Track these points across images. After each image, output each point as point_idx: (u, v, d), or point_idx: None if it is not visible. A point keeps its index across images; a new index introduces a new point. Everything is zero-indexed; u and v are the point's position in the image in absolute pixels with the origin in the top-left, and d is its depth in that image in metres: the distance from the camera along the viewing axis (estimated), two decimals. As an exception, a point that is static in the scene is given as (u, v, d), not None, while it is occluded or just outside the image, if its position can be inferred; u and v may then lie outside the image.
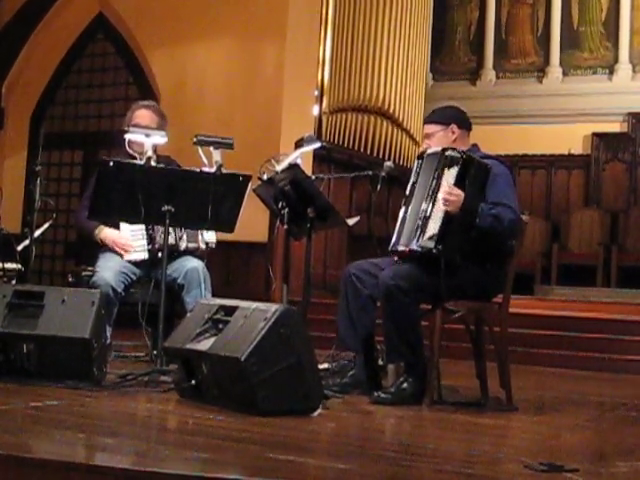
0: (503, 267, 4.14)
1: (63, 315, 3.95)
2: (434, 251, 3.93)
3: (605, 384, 5.97)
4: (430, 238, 3.95)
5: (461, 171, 3.96)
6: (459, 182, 3.95)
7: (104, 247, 4.96)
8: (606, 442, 3.62)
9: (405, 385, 4.03)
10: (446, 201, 3.92)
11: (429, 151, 4.19)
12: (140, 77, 9.09)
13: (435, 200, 3.98)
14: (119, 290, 4.75)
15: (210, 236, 4.98)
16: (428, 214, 3.98)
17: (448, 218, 3.93)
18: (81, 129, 9.58)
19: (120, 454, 2.68)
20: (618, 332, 7.12)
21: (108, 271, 4.76)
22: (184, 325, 3.92)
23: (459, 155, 3.98)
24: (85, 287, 4.77)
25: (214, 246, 5.02)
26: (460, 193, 3.92)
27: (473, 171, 3.99)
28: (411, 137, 10.29)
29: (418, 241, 3.98)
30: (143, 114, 5.14)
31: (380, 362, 4.35)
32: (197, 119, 8.11)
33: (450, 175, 3.97)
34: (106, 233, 4.94)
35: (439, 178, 4.00)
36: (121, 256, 4.88)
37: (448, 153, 4.01)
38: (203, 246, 4.99)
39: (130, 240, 4.90)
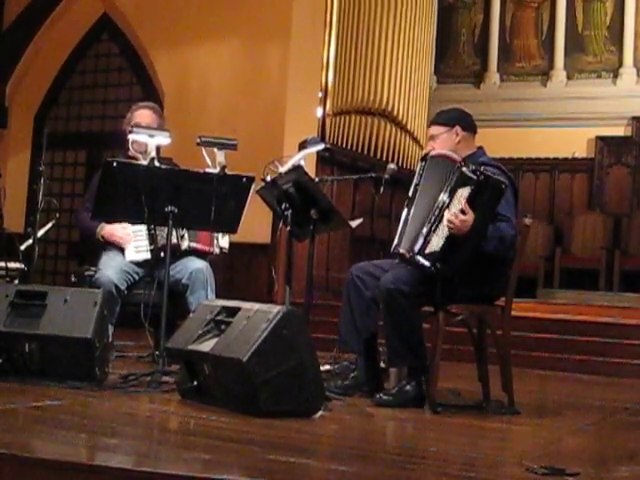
0: (505, 272, 4.13)
1: (65, 315, 3.95)
2: (432, 269, 3.90)
3: (607, 388, 5.96)
4: (431, 254, 3.90)
5: (474, 193, 3.85)
6: (471, 203, 3.84)
7: (107, 245, 4.96)
8: (608, 446, 3.62)
9: (407, 387, 4.03)
10: (450, 223, 3.84)
11: (432, 153, 4.17)
12: (144, 78, 9.09)
13: (443, 217, 3.89)
14: (122, 288, 4.75)
15: (225, 242, 4.99)
16: (434, 228, 3.91)
17: (452, 238, 3.87)
18: (85, 129, 9.59)
19: (121, 454, 2.69)
20: (620, 336, 7.11)
21: (111, 269, 4.76)
22: (186, 326, 3.92)
23: (475, 176, 3.85)
24: (88, 287, 4.77)
25: (227, 251, 5.03)
26: (467, 218, 3.82)
27: (487, 193, 3.87)
28: (415, 139, 10.28)
29: (419, 252, 3.94)
30: (143, 114, 5.14)
31: (382, 364, 4.35)
32: (201, 120, 8.12)
33: (462, 196, 3.87)
34: (106, 229, 4.94)
35: (452, 194, 3.91)
36: (123, 255, 4.88)
37: (465, 171, 3.89)
38: (217, 251, 4.99)
39: (130, 233, 4.89)
